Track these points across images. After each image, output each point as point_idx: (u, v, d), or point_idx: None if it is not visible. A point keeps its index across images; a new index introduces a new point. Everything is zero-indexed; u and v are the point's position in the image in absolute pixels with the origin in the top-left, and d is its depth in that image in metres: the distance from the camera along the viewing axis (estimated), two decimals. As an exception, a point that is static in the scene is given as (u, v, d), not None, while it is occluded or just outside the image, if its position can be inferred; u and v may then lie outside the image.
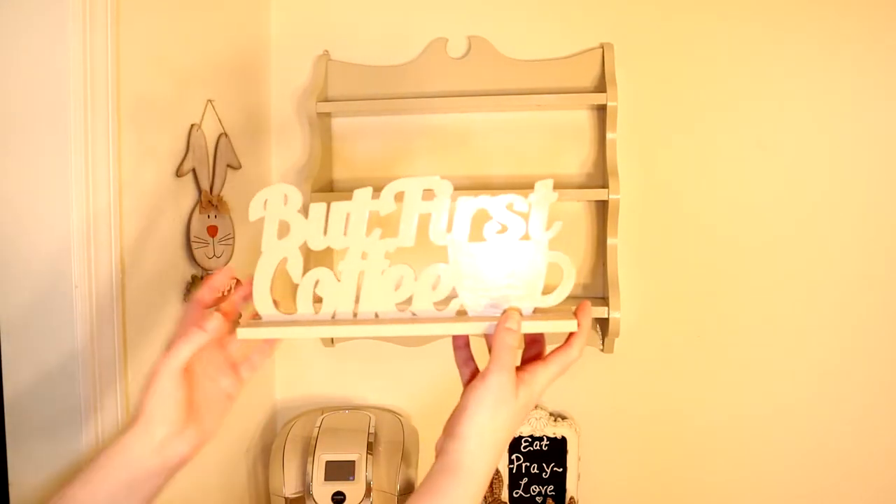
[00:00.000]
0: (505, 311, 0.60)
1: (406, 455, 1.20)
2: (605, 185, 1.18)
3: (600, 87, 1.22)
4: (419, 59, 1.29)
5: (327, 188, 1.31)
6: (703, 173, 1.27)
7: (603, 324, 1.21)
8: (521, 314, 0.60)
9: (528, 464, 1.29)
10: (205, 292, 0.65)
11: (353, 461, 1.14)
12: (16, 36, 0.78)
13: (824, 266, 1.25)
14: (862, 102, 1.22)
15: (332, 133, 1.33)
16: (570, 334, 0.60)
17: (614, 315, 1.16)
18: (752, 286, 1.27)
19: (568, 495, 1.29)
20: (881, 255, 1.23)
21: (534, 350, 0.63)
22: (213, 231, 1.07)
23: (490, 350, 0.59)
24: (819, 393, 1.27)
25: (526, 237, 0.61)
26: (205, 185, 1.06)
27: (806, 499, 1.29)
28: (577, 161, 1.28)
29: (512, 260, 0.61)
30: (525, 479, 1.30)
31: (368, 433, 1.19)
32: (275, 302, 0.63)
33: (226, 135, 1.13)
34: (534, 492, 1.30)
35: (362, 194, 0.62)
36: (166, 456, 0.58)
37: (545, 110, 1.28)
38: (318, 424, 1.22)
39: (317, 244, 0.62)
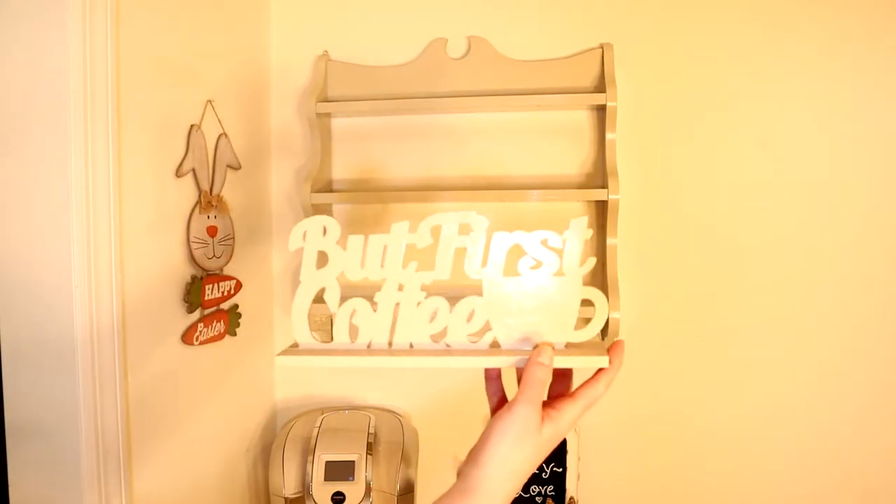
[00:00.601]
0: (538, 346, 0.61)
1: (406, 455, 1.20)
2: (604, 186, 1.18)
3: (600, 87, 1.22)
4: (419, 59, 1.29)
5: (327, 188, 1.31)
6: (702, 173, 1.26)
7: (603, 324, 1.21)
8: (553, 349, 0.61)
9: (527, 464, 1.29)
10: None
11: (353, 461, 1.14)
12: (16, 36, 0.78)
13: (824, 266, 1.25)
14: (862, 102, 1.22)
15: (331, 133, 1.33)
16: (599, 369, 0.61)
17: (614, 315, 1.16)
18: (752, 286, 1.26)
19: (567, 495, 1.29)
20: (881, 255, 1.23)
21: (561, 385, 0.64)
22: (212, 231, 1.07)
23: (519, 382, 0.59)
24: (819, 393, 1.27)
25: (560, 273, 0.62)
26: (204, 186, 1.06)
27: (806, 499, 1.29)
28: (577, 161, 1.28)
29: (545, 295, 0.62)
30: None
31: (368, 433, 1.19)
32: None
33: (225, 135, 1.13)
34: (533, 492, 1.30)
35: (400, 228, 0.64)
36: None
37: (545, 110, 1.28)
38: (317, 424, 1.22)
39: (354, 275, 0.64)
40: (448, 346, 0.64)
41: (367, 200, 1.28)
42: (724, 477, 1.31)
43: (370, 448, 1.16)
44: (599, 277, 1.27)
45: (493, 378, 0.65)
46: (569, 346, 0.63)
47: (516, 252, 0.63)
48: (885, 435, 1.26)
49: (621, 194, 1.17)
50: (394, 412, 1.33)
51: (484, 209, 1.32)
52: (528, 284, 0.62)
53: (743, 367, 1.28)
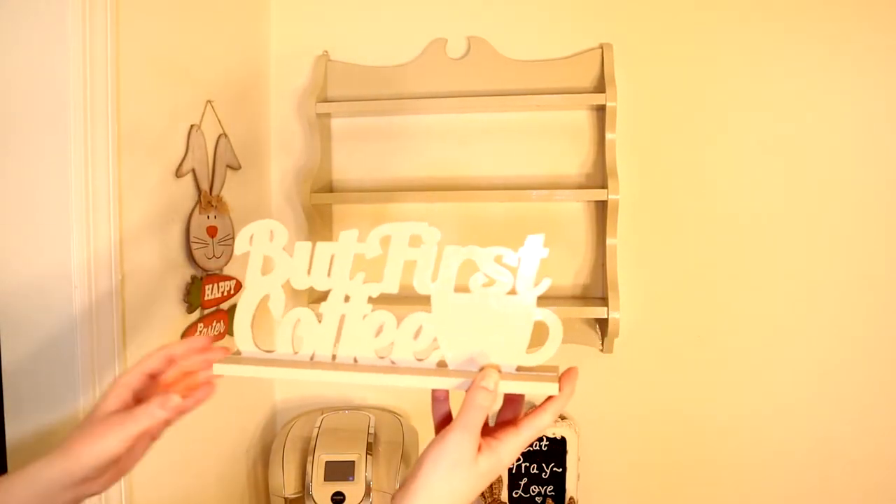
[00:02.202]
0: (482, 369, 0.57)
1: (405, 455, 1.20)
2: (604, 186, 1.18)
3: (600, 87, 1.22)
4: (419, 59, 1.29)
5: (326, 189, 1.31)
6: (702, 173, 1.27)
7: (602, 324, 1.21)
8: (500, 372, 0.57)
9: (527, 464, 1.29)
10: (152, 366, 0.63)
11: (353, 461, 1.14)
12: (16, 36, 0.78)
13: (824, 266, 1.25)
14: (862, 102, 1.22)
15: (331, 133, 1.33)
16: (549, 397, 0.56)
17: (614, 315, 1.16)
18: (752, 286, 1.26)
19: (567, 495, 1.29)
20: (881, 255, 1.23)
21: (510, 410, 0.59)
22: (212, 231, 1.07)
23: None
24: (819, 393, 1.27)
25: (513, 292, 0.58)
26: (204, 186, 1.06)
27: (806, 498, 1.29)
28: (577, 161, 1.28)
29: (497, 314, 0.58)
30: (524, 480, 1.30)
31: (368, 433, 1.19)
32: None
33: (225, 135, 1.13)
34: (533, 492, 1.30)
35: (348, 236, 0.61)
36: (78, 492, 0.55)
37: (545, 110, 1.28)
38: (317, 425, 1.22)
39: (300, 283, 0.61)
40: (393, 362, 0.60)
41: (366, 200, 1.28)
42: (725, 476, 1.31)
43: (370, 448, 1.16)
44: (599, 277, 1.27)
45: (439, 399, 0.61)
46: (520, 369, 0.58)
47: (470, 267, 0.58)
48: (885, 435, 1.26)
49: (621, 194, 1.17)
50: (393, 412, 1.33)
51: (483, 209, 1.32)
52: (480, 303, 0.57)
53: (743, 366, 1.28)
